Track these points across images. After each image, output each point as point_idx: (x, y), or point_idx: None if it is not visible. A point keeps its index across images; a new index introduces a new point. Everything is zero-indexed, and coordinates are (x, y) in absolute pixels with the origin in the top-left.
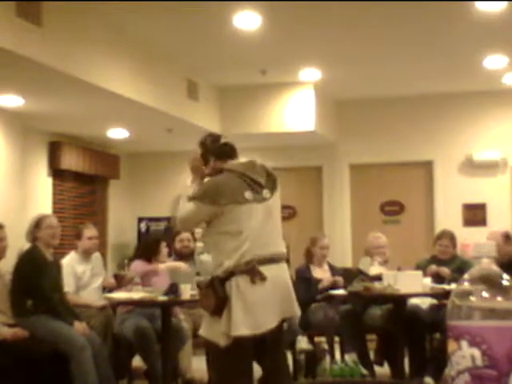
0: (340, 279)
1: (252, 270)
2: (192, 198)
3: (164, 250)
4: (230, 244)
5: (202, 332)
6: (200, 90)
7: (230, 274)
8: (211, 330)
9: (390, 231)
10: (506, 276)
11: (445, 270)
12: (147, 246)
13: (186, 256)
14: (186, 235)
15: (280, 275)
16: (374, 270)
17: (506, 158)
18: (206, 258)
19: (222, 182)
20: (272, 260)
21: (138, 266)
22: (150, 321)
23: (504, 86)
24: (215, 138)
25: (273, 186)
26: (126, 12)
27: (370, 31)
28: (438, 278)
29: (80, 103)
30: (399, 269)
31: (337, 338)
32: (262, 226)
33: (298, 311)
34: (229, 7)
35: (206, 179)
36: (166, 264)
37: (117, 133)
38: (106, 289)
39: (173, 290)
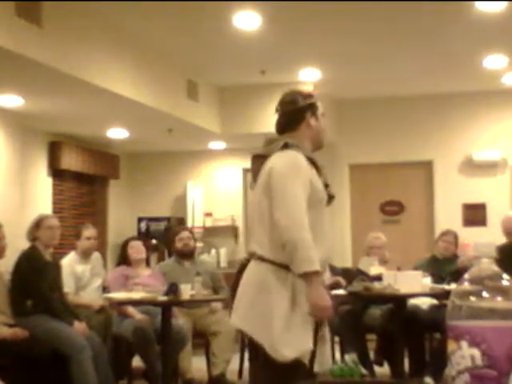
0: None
1: None
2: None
3: (134, 250)
4: None
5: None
6: (200, 89)
7: None
8: None
9: (390, 231)
10: (506, 276)
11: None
12: (120, 252)
13: (187, 255)
14: (186, 234)
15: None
16: (374, 270)
17: (505, 157)
18: (206, 258)
19: None
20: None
21: (109, 273)
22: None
23: (504, 85)
24: None
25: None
26: (126, 12)
27: (370, 31)
28: (438, 278)
29: (80, 103)
30: (399, 269)
31: (337, 338)
32: None
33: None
34: (229, 7)
35: None
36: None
37: (117, 133)
38: (106, 289)
39: (173, 289)
